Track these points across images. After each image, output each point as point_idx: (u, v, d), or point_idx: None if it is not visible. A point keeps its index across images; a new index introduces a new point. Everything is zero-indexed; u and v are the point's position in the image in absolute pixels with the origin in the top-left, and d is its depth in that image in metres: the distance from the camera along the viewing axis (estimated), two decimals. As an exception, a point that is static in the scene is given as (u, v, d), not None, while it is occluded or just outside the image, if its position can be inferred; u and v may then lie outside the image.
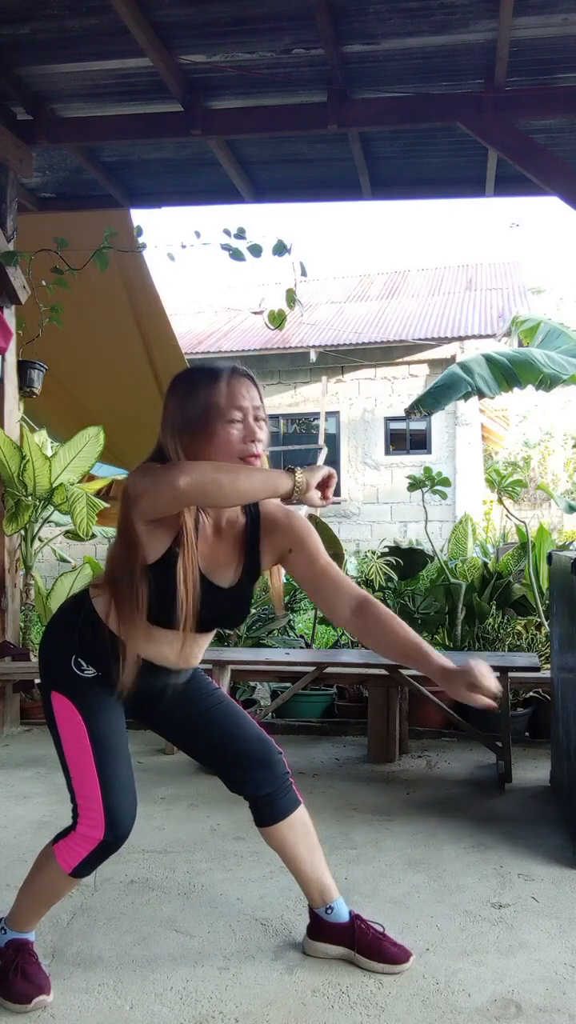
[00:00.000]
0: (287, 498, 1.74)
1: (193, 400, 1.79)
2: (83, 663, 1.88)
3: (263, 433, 1.82)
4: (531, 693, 4.12)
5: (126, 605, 1.81)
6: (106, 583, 1.87)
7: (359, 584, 4.60)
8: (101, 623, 1.87)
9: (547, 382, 4.78)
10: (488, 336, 13.68)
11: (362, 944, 2.07)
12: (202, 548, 1.85)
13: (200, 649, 2.00)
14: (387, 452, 14.55)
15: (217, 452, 1.77)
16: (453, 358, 13.13)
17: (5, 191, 4.37)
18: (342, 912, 2.11)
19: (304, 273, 5.03)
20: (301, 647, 4.72)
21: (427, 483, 4.70)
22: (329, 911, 2.10)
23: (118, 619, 1.84)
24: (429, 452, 14.27)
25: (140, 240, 5.07)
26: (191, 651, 1.96)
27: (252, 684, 4.70)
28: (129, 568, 1.79)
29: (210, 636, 2.03)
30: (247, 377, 1.84)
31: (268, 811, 2.06)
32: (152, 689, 1.95)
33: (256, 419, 1.81)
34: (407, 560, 4.68)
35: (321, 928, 2.12)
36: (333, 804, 3.19)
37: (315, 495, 1.76)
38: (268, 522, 1.95)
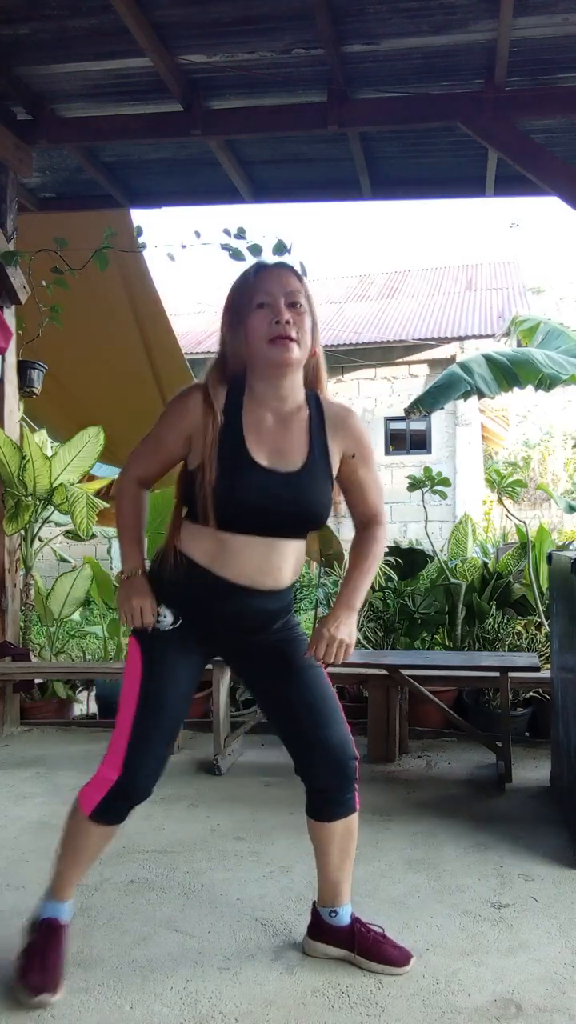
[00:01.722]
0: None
1: (230, 296, 1.93)
2: (163, 611, 1.92)
3: (299, 316, 1.87)
4: (531, 693, 4.12)
5: (191, 515, 1.93)
6: (178, 508, 1.98)
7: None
8: (179, 555, 1.91)
9: (547, 382, 4.78)
10: (488, 336, 13.69)
11: (362, 947, 2.07)
12: (262, 437, 1.88)
13: (286, 562, 1.92)
14: (387, 452, 14.55)
15: (250, 338, 1.87)
16: (453, 358, 13.14)
17: (5, 191, 4.37)
18: (345, 917, 2.10)
19: (304, 273, 5.02)
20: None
21: (427, 483, 4.70)
22: (333, 914, 2.10)
23: (188, 539, 1.91)
24: (429, 452, 14.28)
25: (140, 240, 5.07)
26: (272, 564, 1.89)
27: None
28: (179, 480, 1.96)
29: (294, 547, 1.94)
30: (283, 267, 1.92)
31: (320, 808, 2.04)
32: (242, 618, 1.92)
33: (290, 304, 1.87)
34: (407, 560, 4.68)
35: (321, 929, 2.12)
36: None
37: (118, 609, 1.96)
38: (334, 420, 1.99)
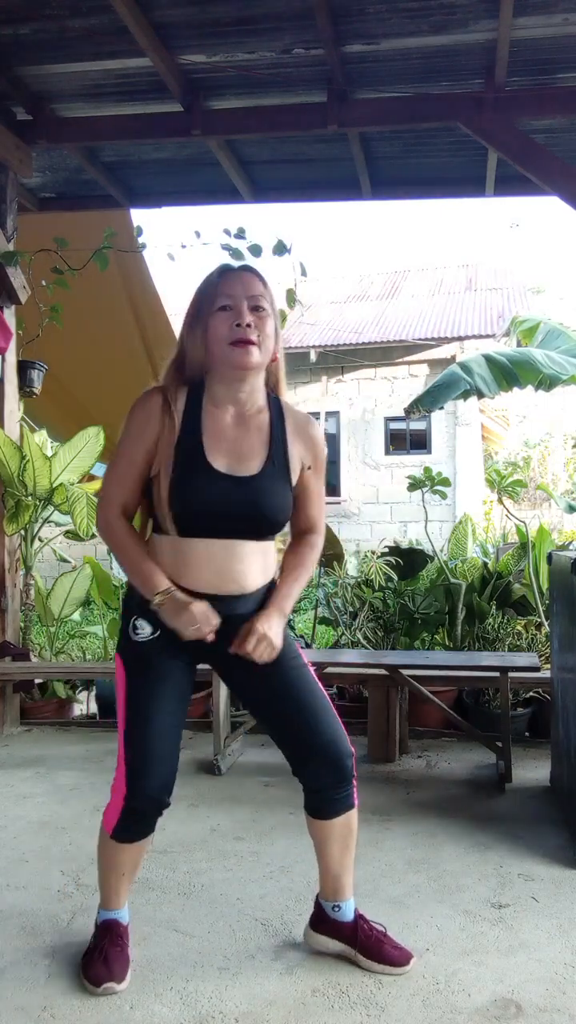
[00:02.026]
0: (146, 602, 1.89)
1: (194, 295, 1.92)
2: (141, 624, 1.91)
3: (260, 320, 1.87)
4: (531, 693, 4.12)
5: (155, 527, 1.93)
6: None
7: (359, 584, 4.63)
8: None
9: (547, 382, 4.78)
10: (488, 336, 13.69)
11: (364, 945, 2.06)
12: (221, 441, 1.88)
13: (247, 566, 1.90)
14: (387, 452, 14.55)
15: (210, 339, 1.86)
16: (453, 358, 13.14)
17: (5, 191, 4.37)
18: (348, 912, 2.10)
19: (304, 273, 5.03)
20: (301, 647, 4.70)
21: (427, 483, 4.70)
22: (336, 909, 2.10)
23: (153, 550, 1.91)
24: (429, 452, 14.28)
25: (140, 240, 5.07)
26: (231, 567, 1.88)
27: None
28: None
29: (256, 549, 1.92)
30: (248, 271, 1.92)
31: (318, 805, 2.04)
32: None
33: (253, 307, 1.86)
34: (407, 560, 4.68)
35: (323, 922, 2.12)
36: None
37: (182, 629, 1.86)
38: (296, 427, 1.99)
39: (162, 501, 1.86)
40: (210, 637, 1.86)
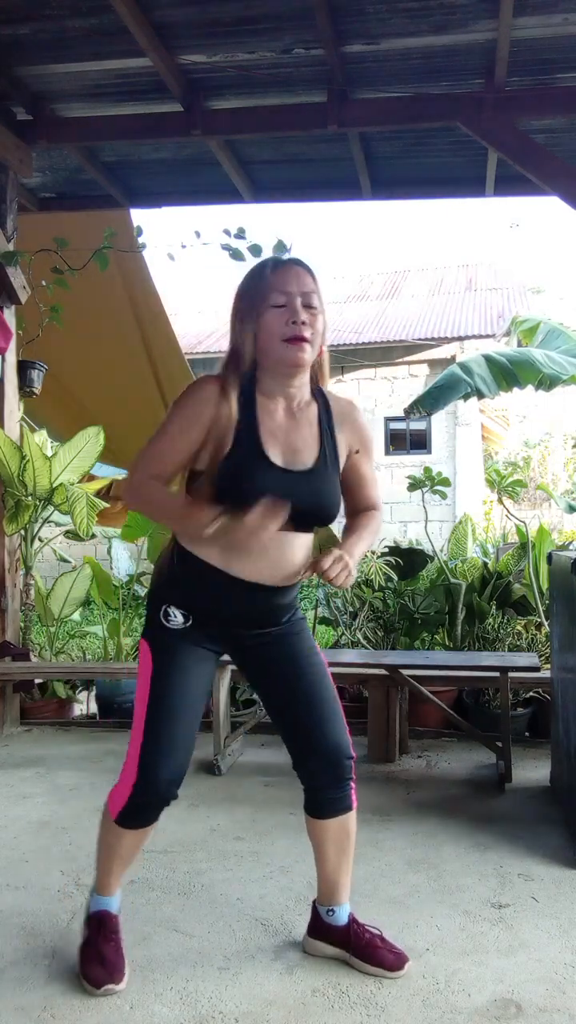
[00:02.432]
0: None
1: (245, 287, 1.91)
2: (172, 612, 1.91)
3: (313, 316, 1.87)
4: (531, 693, 4.12)
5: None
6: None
7: (359, 584, 4.63)
8: (187, 556, 1.89)
9: (547, 382, 4.78)
10: (488, 336, 13.69)
11: (357, 948, 2.06)
12: (276, 435, 1.88)
13: (297, 557, 1.92)
14: (387, 452, 14.55)
15: (264, 335, 1.86)
16: (453, 358, 13.14)
17: (5, 191, 4.36)
18: (342, 917, 2.10)
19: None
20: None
21: (427, 483, 4.70)
22: (330, 913, 2.10)
23: (200, 540, 1.86)
24: (429, 452, 14.27)
25: (140, 240, 5.07)
26: (284, 560, 1.89)
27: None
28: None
29: (304, 541, 1.94)
30: (299, 265, 1.91)
31: (317, 805, 2.05)
32: (254, 615, 1.93)
33: (306, 305, 1.86)
34: (407, 560, 4.68)
35: (319, 927, 2.12)
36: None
37: (257, 532, 1.77)
38: (340, 415, 2.00)
39: (216, 495, 1.82)
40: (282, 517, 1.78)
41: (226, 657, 2.09)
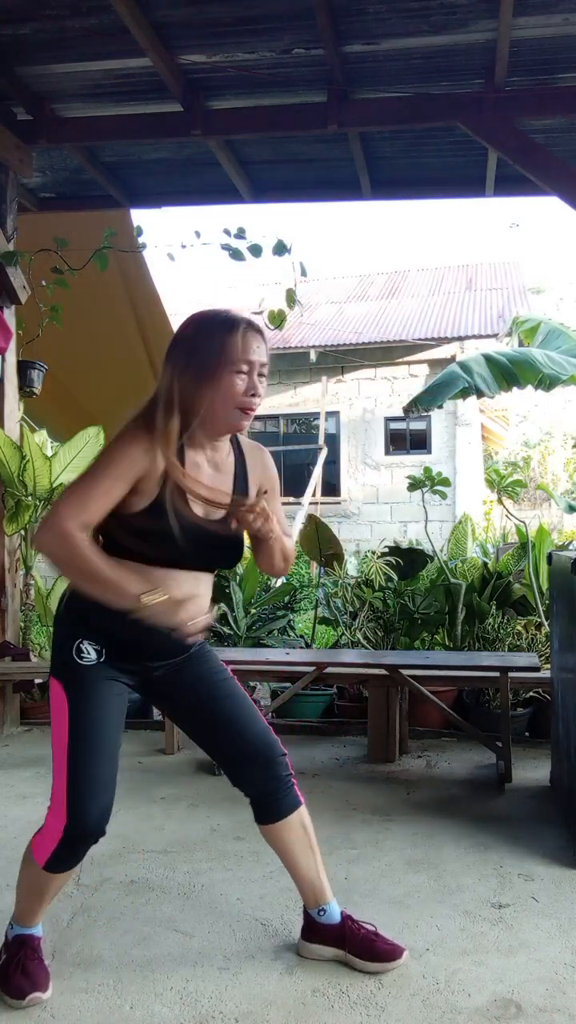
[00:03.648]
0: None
1: (207, 343, 1.84)
2: (85, 648, 1.88)
3: (263, 388, 1.88)
4: (531, 693, 4.12)
5: (113, 549, 1.85)
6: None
7: (359, 584, 4.63)
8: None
9: (547, 382, 4.78)
10: (488, 336, 13.68)
11: (353, 945, 2.07)
12: (201, 484, 1.88)
13: (205, 592, 1.95)
14: (387, 452, 14.55)
15: (219, 398, 1.83)
16: (453, 358, 13.12)
17: (5, 191, 4.37)
18: (334, 914, 2.10)
19: (304, 273, 5.03)
20: (301, 647, 4.72)
21: (427, 483, 4.70)
22: (321, 913, 2.10)
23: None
24: (429, 452, 14.27)
25: (140, 240, 5.07)
26: (199, 592, 1.91)
27: (252, 684, 4.70)
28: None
29: (209, 580, 1.98)
30: (260, 332, 1.89)
31: (267, 810, 2.06)
32: (159, 643, 1.91)
33: (260, 375, 1.87)
34: (407, 560, 4.68)
35: (314, 930, 2.12)
36: (333, 804, 3.18)
37: (178, 623, 1.80)
38: (252, 460, 2.02)
39: (133, 534, 1.83)
40: (199, 632, 1.87)
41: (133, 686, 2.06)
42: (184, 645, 1.98)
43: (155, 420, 1.82)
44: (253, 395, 1.85)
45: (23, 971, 1.94)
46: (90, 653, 1.88)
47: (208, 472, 1.92)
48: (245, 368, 1.83)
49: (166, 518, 1.81)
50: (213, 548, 1.91)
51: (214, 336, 1.83)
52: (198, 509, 1.87)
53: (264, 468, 2.05)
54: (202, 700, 2.03)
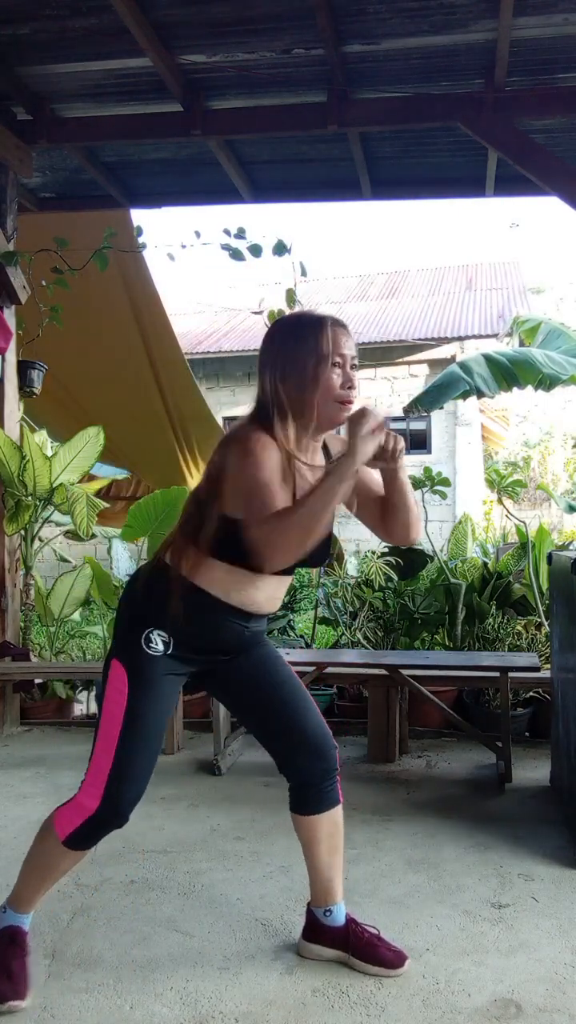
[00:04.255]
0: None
1: (300, 345, 1.87)
2: (155, 637, 1.89)
3: (357, 381, 1.93)
4: (531, 693, 4.12)
5: (226, 553, 1.85)
6: (192, 540, 1.87)
7: (359, 584, 4.63)
8: (185, 584, 1.87)
9: (547, 382, 4.78)
10: (488, 336, 13.69)
11: (356, 948, 2.07)
12: (304, 489, 1.87)
13: (283, 591, 2.01)
14: (387, 452, 14.53)
15: (320, 395, 1.86)
16: (453, 358, 13.13)
17: (5, 191, 4.37)
18: (339, 916, 2.10)
19: (304, 273, 5.03)
20: (301, 647, 4.72)
21: (427, 483, 4.70)
22: (327, 913, 2.10)
23: (202, 569, 1.86)
24: (429, 452, 14.27)
25: (140, 240, 5.07)
26: (279, 593, 1.98)
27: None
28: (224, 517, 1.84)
29: (290, 578, 2.03)
30: (346, 327, 1.94)
31: (306, 801, 2.06)
32: (232, 639, 1.96)
33: (353, 367, 1.91)
34: (407, 560, 4.68)
35: (316, 930, 2.12)
36: (333, 804, 3.18)
37: (369, 449, 1.77)
38: (334, 447, 2.04)
39: (245, 546, 1.79)
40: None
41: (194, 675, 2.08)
42: (254, 638, 2.01)
43: (272, 426, 1.83)
44: (350, 387, 1.89)
45: (8, 975, 1.92)
46: (159, 644, 1.90)
47: (309, 478, 1.91)
48: (340, 361, 1.88)
49: None
50: (317, 552, 1.89)
51: (307, 337, 1.87)
52: None
53: (343, 443, 2.00)
54: (260, 683, 2.04)
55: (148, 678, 1.90)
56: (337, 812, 2.08)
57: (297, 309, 4.95)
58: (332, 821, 2.07)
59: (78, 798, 1.91)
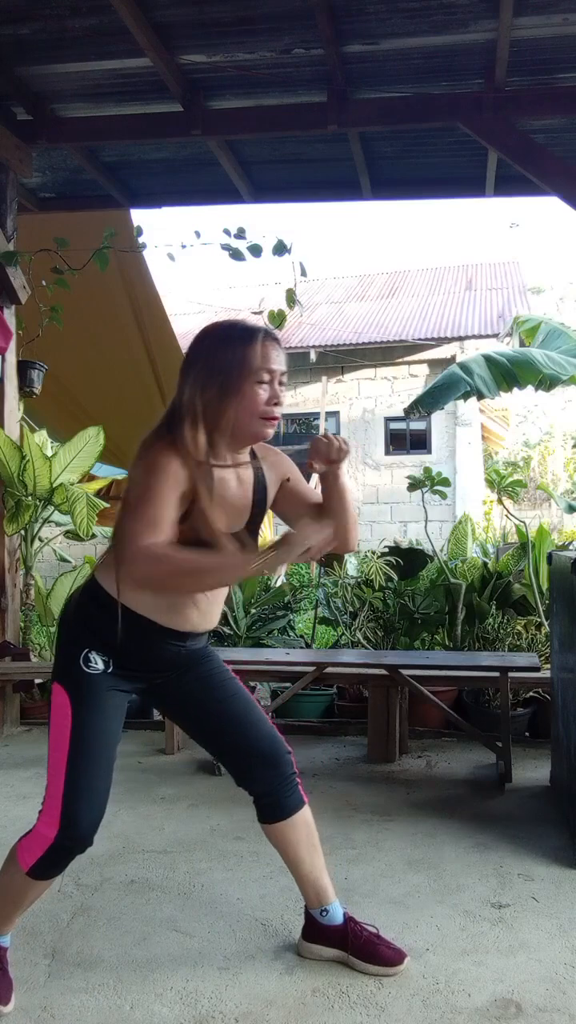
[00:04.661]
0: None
1: (227, 354, 1.82)
2: (93, 657, 1.87)
3: (283, 396, 1.89)
4: (531, 693, 4.12)
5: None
6: (116, 559, 1.80)
7: (359, 584, 4.63)
8: (114, 604, 1.83)
9: (547, 382, 4.78)
10: (488, 336, 13.68)
11: (355, 947, 2.07)
12: (224, 503, 1.86)
13: (219, 607, 1.98)
14: (387, 452, 14.55)
15: (242, 409, 1.82)
16: (453, 358, 13.13)
17: (5, 191, 4.36)
18: (336, 915, 2.10)
19: (304, 273, 5.03)
20: (301, 647, 4.72)
21: (427, 483, 4.70)
22: (324, 913, 2.10)
23: (138, 593, 1.82)
24: (429, 452, 14.27)
25: (140, 240, 5.07)
26: (214, 608, 1.95)
27: (252, 684, 4.70)
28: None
29: (224, 592, 2.00)
30: (278, 341, 1.89)
31: (271, 809, 2.06)
32: (171, 658, 1.94)
33: (280, 383, 1.87)
34: (407, 560, 4.68)
35: (315, 930, 2.12)
36: (333, 804, 3.18)
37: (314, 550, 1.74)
38: (264, 460, 2.01)
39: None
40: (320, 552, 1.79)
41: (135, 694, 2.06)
42: (194, 655, 1.99)
43: (181, 434, 1.78)
44: (275, 404, 1.85)
45: None
46: (97, 663, 1.87)
47: (232, 485, 1.90)
48: (267, 377, 1.83)
49: (195, 538, 1.79)
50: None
51: (235, 348, 1.82)
52: (222, 524, 1.83)
53: (276, 462, 2.03)
54: (206, 700, 2.03)
55: (92, 699, 1.86)
56: (305, 812, 2.07)
57: (297, 309, 4.95)
58: (303, 822, 2.07)
59: (37, 827, 1.86)
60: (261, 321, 2.00)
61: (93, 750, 1.85)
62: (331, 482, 1.95)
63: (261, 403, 1.82)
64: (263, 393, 1.83)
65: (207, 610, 1.93)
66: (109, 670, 1.88)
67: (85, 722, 1.85)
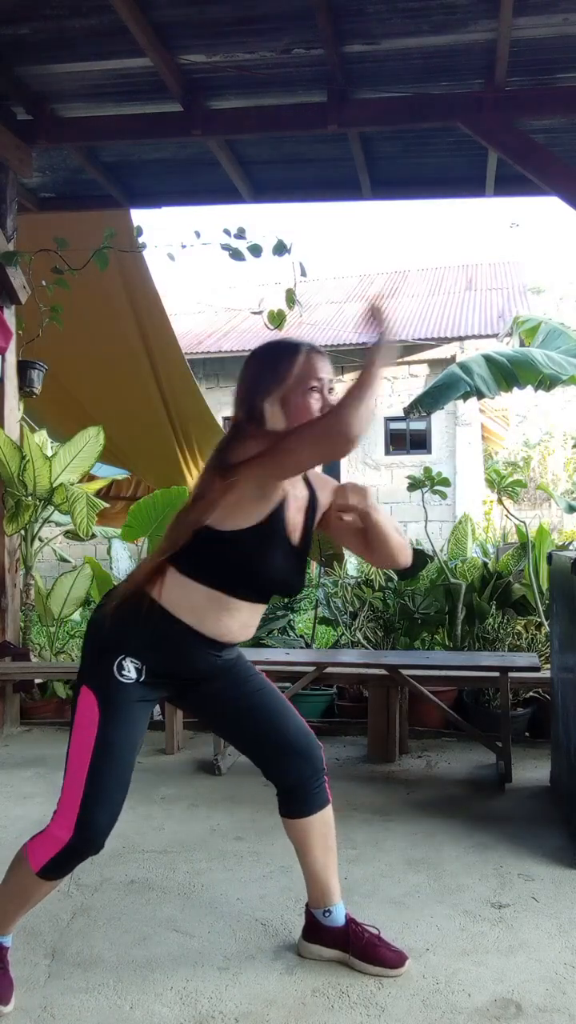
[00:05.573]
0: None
1: (278, 370, 1.89)
2: (127, 665, 1.87)
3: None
4: (531, 693, 4.12)
5: (207, 573, 1.86)
6: (171, 562, 1.86)
7: (359, 584, 4.63)
8: (157, 610, 1.86)
9: (547, 382, 4.78)
10: (488, 336, 13.69)
11: (356, 948, 2.07)
12: (291, 515, 1.91)
13: (257, 620, 2.01)
14: (387, 452, 14.55)
15: (297, 419, 1.87)
16: (453, 358, 13.13)
17: (5, 191, 4.36)
18: (339, 917, 2.10)
19: (304, 273, 5.04)
20: (301, 647, 4.72)
21: (427, 483, 4.70)
22: (327, 914, 2.10)
23: (176, 594, 1.85)
24: (429, 452, 14.28)
25: (140, 240, 5.07)
26: (253, 621, 1.98)
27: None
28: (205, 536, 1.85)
29: (263, 606, 2.02)
30: (322, 352, 1.97)
31: (296, 804, 2.06)
32: (206, 667, 1.96)
33: (330, 390, 1.93)
34: (407, 560, 4.67)
35: (316, 930, 2.12)
36: (333, 804, 3.17)
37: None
38: (315, 480, 2.05)
39: (229, 564, 1.85)
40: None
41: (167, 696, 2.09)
42: (227, 664, 2.00)
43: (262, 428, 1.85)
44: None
45: None
46: (131, 671, 1.87)
47: (292, 503, 1.93)
48: (316, 385, 1.89)
49: (266, 544, 1.85)
50: (296, 579, 1.96)
51: (284, 363, 1.89)
52: (295, 539, 1.92)
53: (324, 483, 2.07)
54: (238, 697, 2.04)
55: (121, 708, 1.86)
56: (328, 812, 2.09)
57: (297, 309, 4.94)
58: (324, 821, 2.08)
59: (50, 829, 1.87)
60: (274, 328, 2.05)
61: (116, 759, 1.85)
62: (365, 522, 1.98)
63: (314, 412, 1.88)
64: (315, 403, 1.88)
65: (247, 621, 1.95)
66: (141, 679, 1.88)
67: (111, 731, 1.85)
